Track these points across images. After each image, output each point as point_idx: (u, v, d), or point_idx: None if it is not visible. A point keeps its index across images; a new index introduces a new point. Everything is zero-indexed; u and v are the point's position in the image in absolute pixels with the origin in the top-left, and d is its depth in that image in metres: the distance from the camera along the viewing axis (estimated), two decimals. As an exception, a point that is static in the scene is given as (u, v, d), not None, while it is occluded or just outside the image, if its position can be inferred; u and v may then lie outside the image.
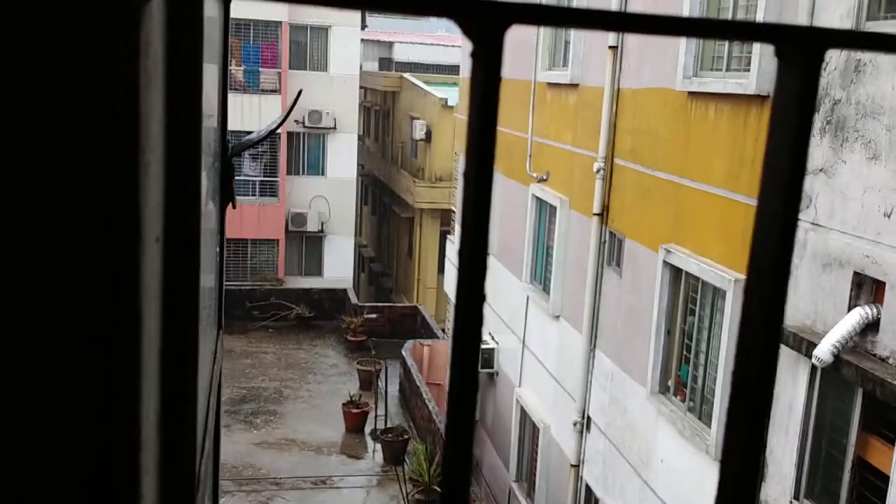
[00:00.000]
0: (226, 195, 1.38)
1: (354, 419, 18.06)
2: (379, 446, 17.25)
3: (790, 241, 0.41)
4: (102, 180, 0.42)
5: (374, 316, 23.67)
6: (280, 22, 25.95)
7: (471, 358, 0.45)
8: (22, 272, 0.45)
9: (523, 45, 13.85)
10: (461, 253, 0.40)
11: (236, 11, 21.84)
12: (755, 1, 7.82)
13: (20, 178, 0.43)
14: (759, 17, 7.59)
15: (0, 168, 0.44)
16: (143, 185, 0.44)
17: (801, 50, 0.39)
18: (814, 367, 6.67)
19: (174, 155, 0.51)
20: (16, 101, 0.42)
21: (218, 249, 1.47)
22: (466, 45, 0.42)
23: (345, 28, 27.04)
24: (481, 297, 0.44)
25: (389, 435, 17.13)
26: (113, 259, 0.43)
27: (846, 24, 6.57)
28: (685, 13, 8.86)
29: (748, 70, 7.89)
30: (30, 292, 0.45)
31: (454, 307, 0.46)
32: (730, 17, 8.39)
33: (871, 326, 6.17)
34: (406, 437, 17.22)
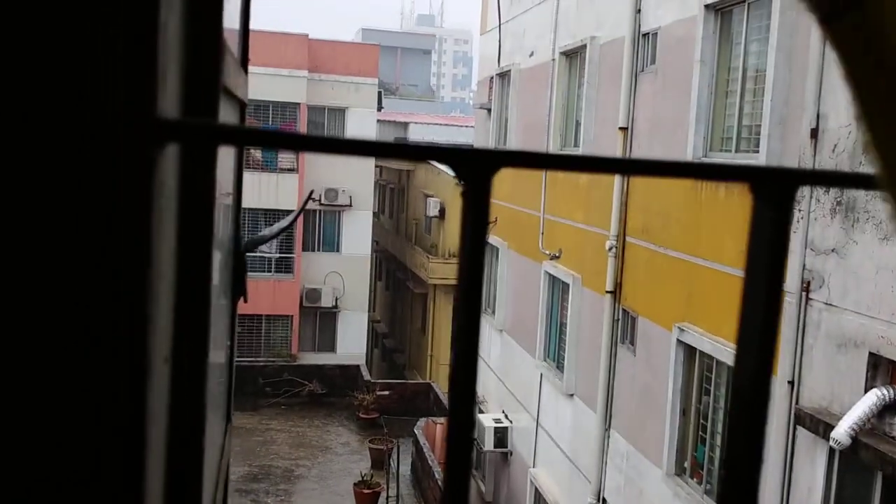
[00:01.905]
0: (238, 290, 1.41)
1: (366, 500, 17.72)
2: (390, 529, 16.89)
3: (768, 365, 0.43)
4: (111, 309, 0.45)
5: (386, 393, 23.45)
6: (298, 103, 26.56)
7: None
8: (21, 396, 0.47)
9: (536, 125, 14.10)
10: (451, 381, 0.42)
11: (255, 93, 22.32)
12: (762, 85, 7.97)
13: (28, 304, 0.46)
14: (767, 101, 7.71)
15: (14, 293, 0.46)
16: (153, 310, 0.47)
17: (774, 189, 0.42)
18: (832, 450, 6.54)
19: (185, 276, 0.54)
20: (27, 228, 0.46)
21: (228, 343, 1.50)
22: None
23: (361, 109, 27.63)
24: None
25: (401, 516, 16.79)
26: (120, 380, 0.45)
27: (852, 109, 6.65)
28: (693, 103, 9.02)
29: (757, 150, 7.98)
30: (35, 413, 0.47)
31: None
32: (737, 101, 8.54)
33: (889, 408, 6.08)
34: (418, 519, 16.87)
